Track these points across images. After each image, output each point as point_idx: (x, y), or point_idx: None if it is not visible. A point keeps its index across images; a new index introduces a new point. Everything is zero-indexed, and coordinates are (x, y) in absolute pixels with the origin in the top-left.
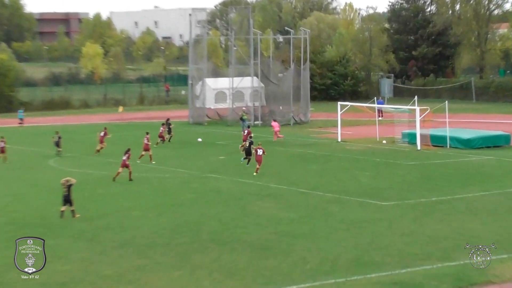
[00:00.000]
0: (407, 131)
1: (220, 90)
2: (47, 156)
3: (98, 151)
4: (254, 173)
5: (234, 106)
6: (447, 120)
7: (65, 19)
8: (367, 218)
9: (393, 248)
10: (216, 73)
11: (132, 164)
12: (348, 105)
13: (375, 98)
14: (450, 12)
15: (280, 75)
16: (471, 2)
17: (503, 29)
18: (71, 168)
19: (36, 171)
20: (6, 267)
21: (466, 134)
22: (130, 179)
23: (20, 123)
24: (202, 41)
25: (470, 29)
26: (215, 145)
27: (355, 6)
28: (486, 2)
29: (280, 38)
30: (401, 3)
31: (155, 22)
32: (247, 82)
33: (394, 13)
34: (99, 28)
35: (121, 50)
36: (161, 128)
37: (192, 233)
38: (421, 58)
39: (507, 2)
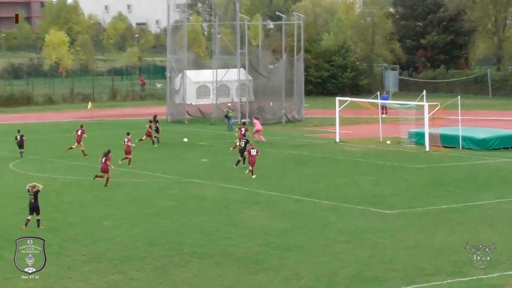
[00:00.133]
0: (414, 130)
1: (203, 84)
2: (7, 159)
3: (71, 148)
4: (246, 172)
5: (218, 102)
6: (459, 117)
7: (25, 3)
8: (369, 228)
9: (398, 262)
10: (198, 65)
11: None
12: (347, 100)
13: (378, 93)
14: None
15: (270, 66)
16: None
17: None
18: (34, 172)
19: None
20: None
21: (481, 133)
22: (106, 185)
23: None
24: (181, 28)
25: (487, 14)
26: (197, 146)
27: None
28: None
29: (271, 25)
30: None
31: (128, 6)
32: (233, 75)
33: None
34: (64, 13)
35: (89, 38)
36: (148, 126)
37: (172, 245)
38: (431, 47)
39: None
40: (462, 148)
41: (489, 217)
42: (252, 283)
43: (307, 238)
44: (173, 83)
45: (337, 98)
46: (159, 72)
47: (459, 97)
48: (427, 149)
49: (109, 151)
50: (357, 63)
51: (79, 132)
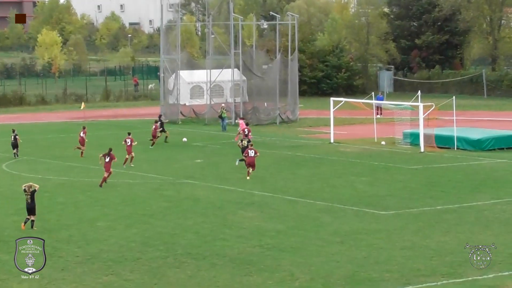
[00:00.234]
0: (409, 130)
1: (196, 84)
2: (0, 159)
3: (81, 152)
4: (247, 177)
5: (212, 103)
6: (454, 118)
7: (18, 2)
8: (364, 229)
9: (393, 263)
10: (192, 65)
11: (101, 169)
12: (342, 101)
13: (373, 93)
14: None
15: (264, 67)
16: None
17: None
18: (27, 173)
19: None
20: None
21: (476, 134)
22: (100, 185)
23: None
24: (175, 27)
25: (482, 14)
26: (191, 147)
27: None
28: None
29: (265, 25)
30: None
31: (121, 6)
32: (227, 75)
33: None
34: (56, 13)
35: (82, 38)
36: (154, 126)
37: (166, 246)
38: (426, 47)
39: None
40: (457, 148)
41: (485, 218)
42: (246, 284)
43: (302, 239)
44: (167, 84)
45: (332, 99)
46: (153, 72)
47: (454, 97)
48: (422, 149)
49: (110, 149)
50: (351, 63)
51: (81, 134)
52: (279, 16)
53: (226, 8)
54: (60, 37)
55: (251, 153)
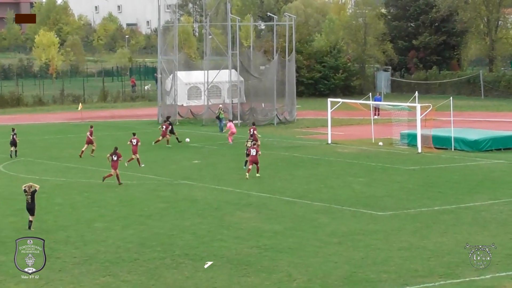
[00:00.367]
0: (406, 131)
1: (194, 85)
2: None
3: (92, 152)
4: (257, 174)
5: (210, 103)
6: (451, 118)
7: (15, 3)
8: (361, 230)
9: (390, 264)
10: (189, 66)
11: (105, 170)
12: (339, 102)
13: (370, 94)
14: None
15: (262, 67)
16: None
17: None
18: (24, 174)
19: None
20: None
21: (473, 134)
22: (103, 180)
23: None
24: (172, 28)
25: (479, 15)
26: (189, 148)
27: None
28: None
29: (262, 25)
30: None
31: (118, 7)
32: (224, 76)
33: None
34: (54, 14)
35: (79, 39)
36: (163, 127)
37: (163, 247)
38: (423, 48)
39: None
40: (454, 149)
41: (482, 218)
42: (244, 285)
43: (299, 240)
44: (164, 84)
45: (329, 99)
46: (150, 73)
47: (451, 98)
48: (420, 150)
49: (116, 148)
50: (349, 64)
51: (88, 134)
52: (276, 17)
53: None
54: (58, 38)
55: (253, 152)
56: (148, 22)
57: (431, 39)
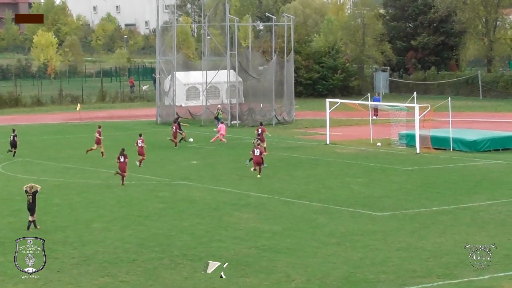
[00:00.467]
0: (404, 132)
1: (192, 86)
2: None
3: (102, 153)
4: (258, 175)
5: (208, 104)
6: (450, 119)
7: (13, 3)
8: (360, 230)
9: (389, 264)
10: (188, 66)
11: (103, 170)
12: (338, 102)
13: (369, 94)
14: None
15: (260, 68)
16: None
17: None
18: (23, 174)
19: None
20: None
21: (471, 135)
22: (115, 175)
23: None
24: (171, 29)
25: (477, 15)
26: (187, 148)
27: None
28: None
29: (260, 26)
30: None
31: (117, 7)
32: (223, 76)
33: None
34: (52, 14)
35: (78, 40)
36: (174, 127)
37: (162, 248)
38: (421, 48)
39: None
40: (452, 150)
41: (481, 219)
42: (242, 286)
43: (298, 240)
44: (163, 85)
45: (328, 100)
46: (148, 73)
47: (449, 98)
48: (418, 151)
49: (123, 149)
50: (347, 65)
51: (96, 134)
52: (275, 17)
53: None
54: (56, 38)
55: (257, 152)
56: (146, 22)
57: (430, 39)
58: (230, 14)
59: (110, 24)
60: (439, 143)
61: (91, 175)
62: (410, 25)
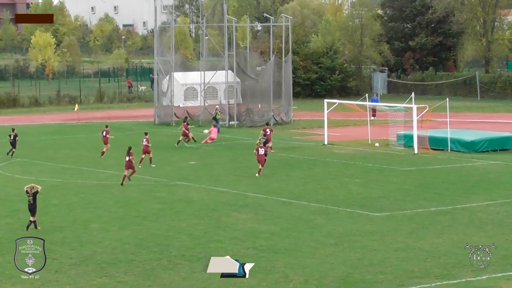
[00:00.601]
0: (402, 132)
1: (190, 86)
2: None
3: (103, 153)
4: (257, 174)
5: (206, 104)
6: (448, 119)
7: (11, 4)
8: (358, 231)
9: (387, 265)
10: (186, 67)
11: (101, 171)
12: (336, 102)
13: (367, 95)
14: None
15: (258, 68)
16: None
17: None
18: (21, 174)
19: None
20: None
21: (469, 135)
22: (129, 179)
23: None
24: (169, 29)
25: (475, 16)
26: (185, 149)
27: None
28: None
29: (259, 26)
30: None
31: (115, 8)
32: (221, 77)
33: None
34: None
35: (76, 40)
36: (184, 126)
37: (160, 248)
38: (419, 49)
39: None
40: (450, 150)
41: (478, 219)
42: (240, 286)
43: (296, 240)
44: (161, 85)
45: (326, 100)
46: (146, 74)
47: (447, 99)
48: (416, 151)
49: (130, 148)
50: (345, 65)
51: (103, 133)
52: (273, 18)
53: (220, 10)
54: (54, 39)
55: (261, 151)
56: (144, 23)
57: (428, 40)
58: (228, 14)
59: (108, 25)
60: (437, 144)
61: (89, 176)
62: (408, 25)
